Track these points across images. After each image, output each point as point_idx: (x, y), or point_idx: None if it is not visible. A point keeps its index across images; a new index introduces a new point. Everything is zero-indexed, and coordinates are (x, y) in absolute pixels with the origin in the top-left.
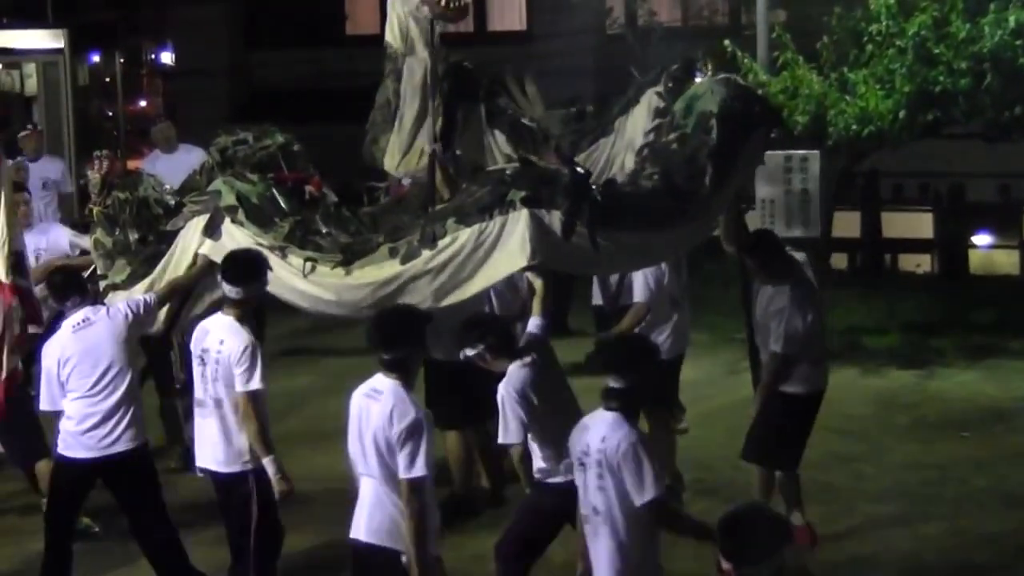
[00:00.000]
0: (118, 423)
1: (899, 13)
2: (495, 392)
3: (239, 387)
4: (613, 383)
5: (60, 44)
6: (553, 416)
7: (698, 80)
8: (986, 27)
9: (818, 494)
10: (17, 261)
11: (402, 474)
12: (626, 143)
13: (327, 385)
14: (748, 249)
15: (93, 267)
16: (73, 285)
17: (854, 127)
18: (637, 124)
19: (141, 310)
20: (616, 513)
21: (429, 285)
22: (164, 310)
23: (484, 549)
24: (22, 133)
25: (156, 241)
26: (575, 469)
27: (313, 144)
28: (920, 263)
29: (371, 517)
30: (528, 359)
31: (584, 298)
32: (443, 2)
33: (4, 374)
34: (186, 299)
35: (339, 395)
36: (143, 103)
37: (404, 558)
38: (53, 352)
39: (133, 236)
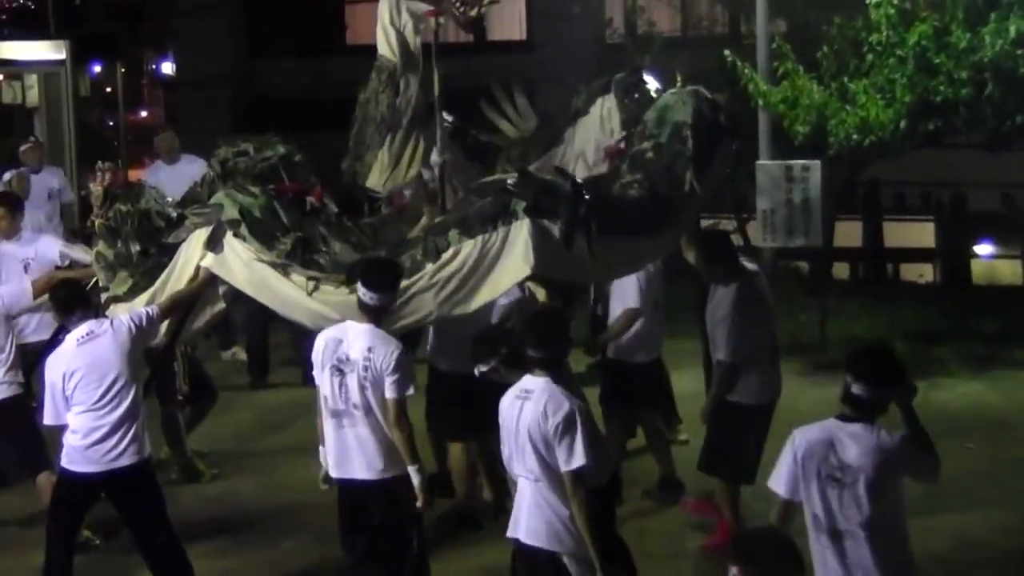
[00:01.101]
0: (123, 437)
1: (899, 23)
2: (498, 403)
3: (392, 394)
4: (532, 352)
5: (62, 55)
6: None
7: (654, 87)
8: (986, 36)
9: None
10: None
11: (563, 467)
12: (576, 152)
13: None
14: (696, 249)
15: (94, 279)
16: (78, 299)
17: (855, 137)
18: (588, 133)
19: (145, 323)
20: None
21: (435, 298)
22: (167, 322)
23: (488, 562)
24: (24, 146)
25: (158, 253)
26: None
27: (315, 153)
28: (922, 273)
29: (530, 518)
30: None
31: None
32: (463, 9)
33: None
34: (189, 311)
35: None
36: (144, 113)
37: (565, 559)
38: (58, 366)
39: (135, 248)
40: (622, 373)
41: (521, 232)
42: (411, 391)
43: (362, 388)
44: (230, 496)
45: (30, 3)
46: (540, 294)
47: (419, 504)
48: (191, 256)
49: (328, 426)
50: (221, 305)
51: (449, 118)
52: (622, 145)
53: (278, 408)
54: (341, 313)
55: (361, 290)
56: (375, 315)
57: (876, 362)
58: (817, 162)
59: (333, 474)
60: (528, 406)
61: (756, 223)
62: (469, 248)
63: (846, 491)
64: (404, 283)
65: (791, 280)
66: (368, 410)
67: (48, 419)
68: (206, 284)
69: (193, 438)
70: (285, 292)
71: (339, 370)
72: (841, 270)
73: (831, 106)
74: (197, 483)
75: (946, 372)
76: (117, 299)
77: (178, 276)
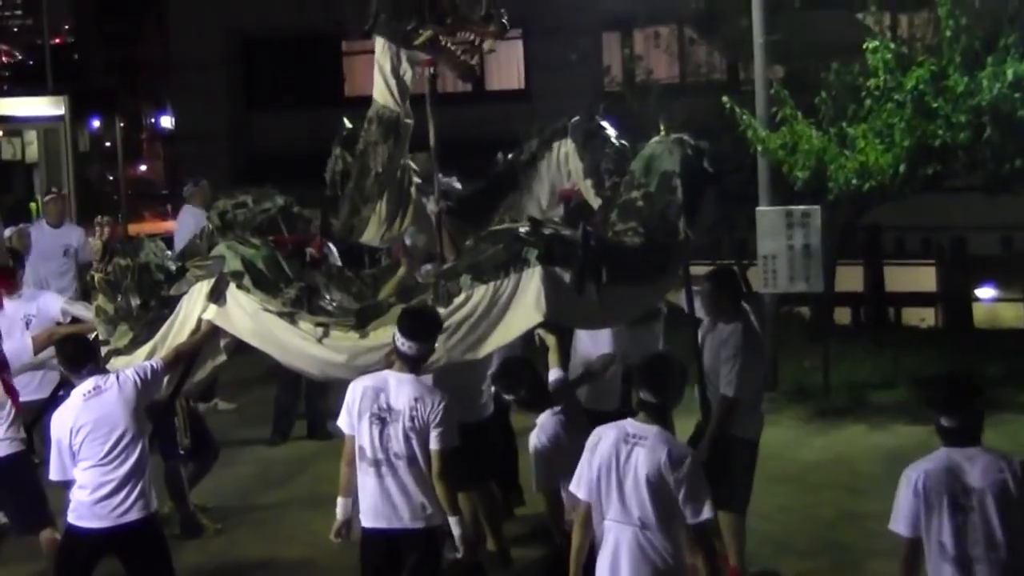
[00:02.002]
0: (131, 492)
1: (897, 67)
2: (502, 452)
3: (437, 445)
4: (647, 397)
5: (60, 111)
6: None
7: (613, 133)
8: (984, 80)
9: (828, 551)
10: None
11: (691, 518)
12: (535, 197)
13: (328, 448)
14: (706, 285)
15: (95, 334)
16: (86, 354)
17: (854, 182)
18: (543, 178)
19: (150, 376)
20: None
21: (444, 344)
22: (168, 376)
23: None
24: (47, 197)
25: (158, 306)
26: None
27: (314, 205)
28: (924, 317)
29: (635, 566)
30: (557, 409)
31: None
32: (463, 58)
33: None
34: (190, 364)
35: (340, 457)
36: (144, 167)
37: None
38: (64, 421)
39: (135, 302)
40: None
41: (533, 279)
42: (457, 443)
43: (407, 438)
44: (233, 551)
45: (28, 59)
46: (550, 341)
47: (460, 555)
48: (193, 308)
49: (366, 476)
50: (223, 357)
51: (445, 180)
52: (575, 187)
53: (281, 462)
54: (350, 358)
55: (400, 340)
56: (414, 364)
57: (955, 391)
58: (817, 207)
59: (368, 523)
60: (642, 453)
61: (757, 269)
62: (481, 293)
63: (973, 515)
64: None
65: (793, 326)
66: (412, 460)
67: (55, 474)
68: (208, 336)
69: (196, 492)
70: (291, 341)
71: (380, 419)
72: (843, 315)
73: (830, 151)
74: (200, 538)
75: None
76: (117, 352)
77: (179, 329)
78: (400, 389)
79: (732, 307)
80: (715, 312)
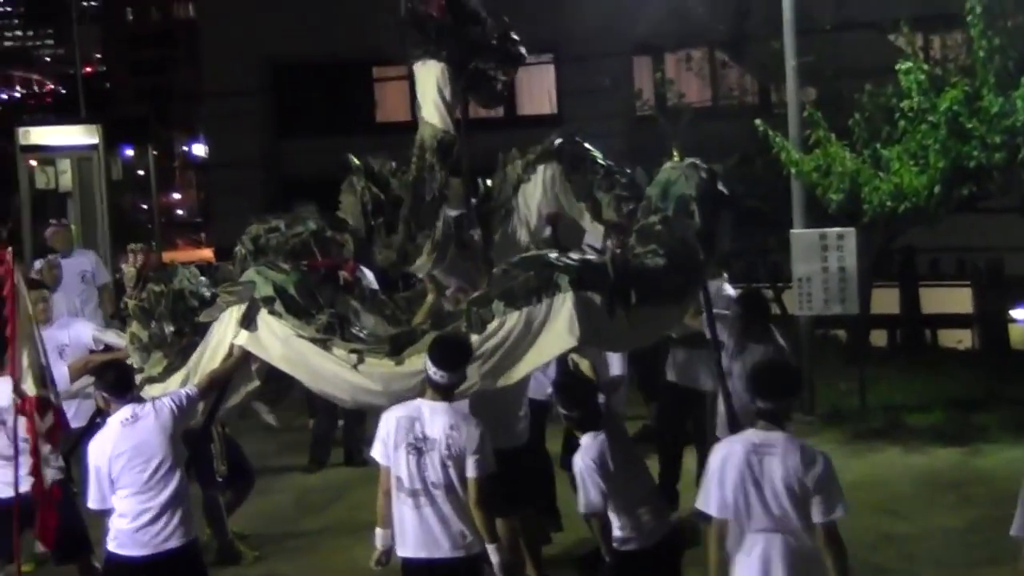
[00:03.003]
0: (171, 518)
1: (930, 89)
2: (539, 478)
3: (474, 472)
4: (766, 404)
5: (94, 140)
6: (627, 484)
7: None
8: (1018, 100)
9: (869, 574)
10: (42, 373)
11: (823, 517)
12: (522, 219)
13: (364, 475)
14: (736, 309)
15: (127, 360)
16: (129, 381)
17: (889, 203)
18: (531, 200)
19: (185, 403)
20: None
21: (479, 370)
22: (203, 402)
23: None
24: (49, 229)
25: (192, 333)
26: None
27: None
28: (961, 339)
29: (791, 573)
30: (601, 431)
31: None
32: (495, 75)
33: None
34: (224, 390)
35: (377, 484)
36: (177, 195)
37: None
38: (102, 449)
39: (169, 329)
40: None
41: (565, 303)
42: (492, 469)
43: (444, 466)
44: None
45: (60, 88)
46: (584, 365)
47: None
48: (224, 335)
49: (404, 507)
50: (256, 383)
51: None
52: (556, 209)
53: (319, 489)
54: (385, 385)
55: (431, 368)
56: (446, 392)
57: None
58: (852, 230)
59: (408, 554)
60: (774, 461)
61: (792, 292)
62: (514, 319)
63: None
64: None
65: (829, 348)
66: (450, 488)
67: (93, 503)
68: (241, 362)
69: (234, 519)
70: (325, 367)
71: (416, 449)
72: (879, 337)
73: (864, 173)
74: (238, 565)
75: (988, 438)
76: (152, 380)
77: (211, 355)
78: (434, 418)
79: (761, 329)
80: (745, 334)
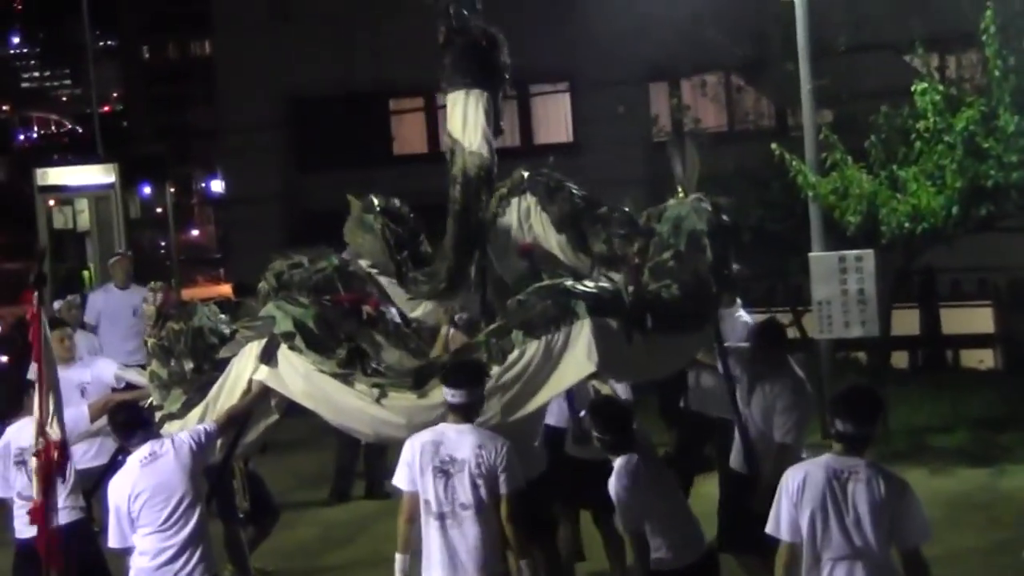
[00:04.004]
0: (191, 556)
1: (946, 109)
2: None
3: (506, 488)
4: (847, 428)
5: (111, 178)
6: (662, 505)
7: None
8: None
9: None
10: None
11: (913, 541)
12: (501, 249)
13: (387, 508)
14: (755, 339)
15: (149, 399)
16: (137, 421)
17: (907, 225)
18: (505, 234)
19: (204, 439)
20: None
21: (500, 400)
22: (221, 439)
23: None
24: (112, 259)
25: (211, 370)
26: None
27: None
28: (982, 359)
29: None
30: (635, 454)
31: None
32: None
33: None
34: (243, 426)
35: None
36: (195, 232)
37: None
38: (122, 488)
39: (188, 366)
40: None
41: (583, 330)
42: (523, 484)
43: (474, 486)
44: None
45: (77, 128)
46: (605, 390)
47: None
48: (243, 370)
49: (430, 529)
50: (275, 417)
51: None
52: (531, 242)
53: (342, 523)
54: (408, 418)
55: (447, 392)
56: (466, 413)
57: None
58: (870, 251)
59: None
60: (859, 487)
61: (812, 315)
62: (534, 349)
63: None
64: None
65: (850, 371)
66: (479, 508)
67: (114, 542)
68: (260, 397)
69: (257, 555)
70: (346, 402)
71: (443, 472)
72: (900, 359)
73: (881, 195)
74: None
75: (1012, 459)
76: (171, 417)
77: (230, 390)
78: (461, 439)
79: (779, 360)
80: (763, 365)
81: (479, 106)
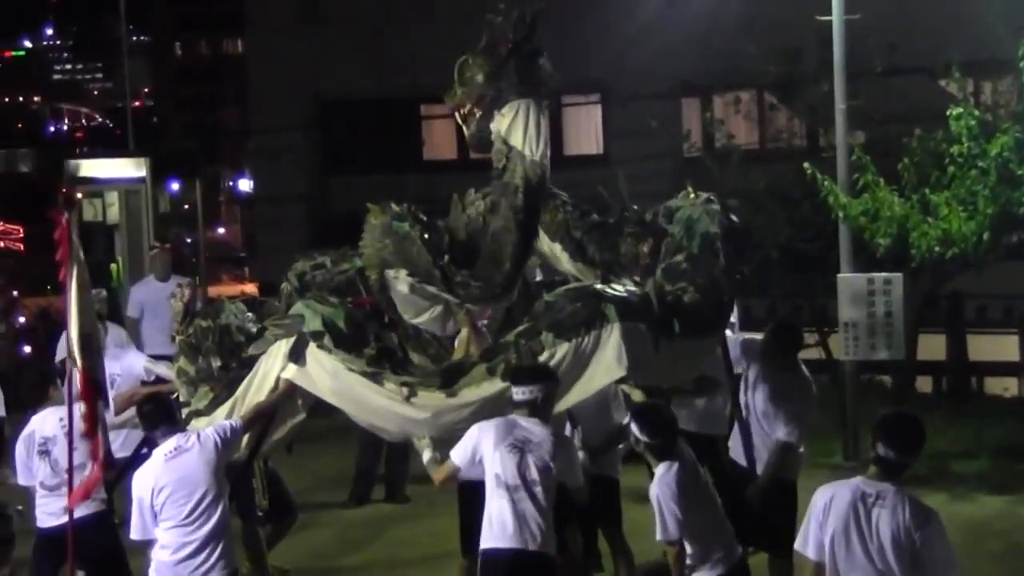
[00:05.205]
0: (212, 551)
1: (980, 134)
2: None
3: (570, 483)
4: (886, 453)
5: (142, 173)
6: (700, 512)
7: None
8: None
9: None
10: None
11: (944, 573)
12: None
13: (406, 512)
14: (768, 336)
15: (176, 394)
16: (163, 414)
17: (937, 249)
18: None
19: (230, 435)
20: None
21: None
22: (247, 435)
23: None
24: (152, 251)
25: (238, 367)
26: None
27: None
28: (1007, 386)
29: None
30: (676, 460)
31: None
32: None
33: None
34: (268, 423)
35: (420, 521)
36: (221, 230)
37: None
38: (145, 481)
39: (215, 363)
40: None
41: (613, 333)
42: (581, 482)
43: (546, 468)
44: None
45: (108, 122)
46: (636, 395)
47: None
48: (271, 368)
49: (498, 500)
50: (301, 415)
51: None
52: None
53: (359, 525)
54: (435, 416)
55: (517, 390)
56: (533, 408)
57: None
58: (899, 275)
59: (495, 544)
60: (884, 514)
61: (837, 336)
62: (564, 350)
63: None
64: (501, 387)
65: (874, 394)
66: (547, 488)
67: (135, 534)
68: (287, 395)
69: (274, 554)
70: (374, 401)
71: (518, 448)
72: (924, 384)
73: (912, 218)
74: None
75: None
76: (198, 413)
77: (257, 388)
78: (533, 427)
79: (789, 359)
80: (772, 361)
81: (539, 115)
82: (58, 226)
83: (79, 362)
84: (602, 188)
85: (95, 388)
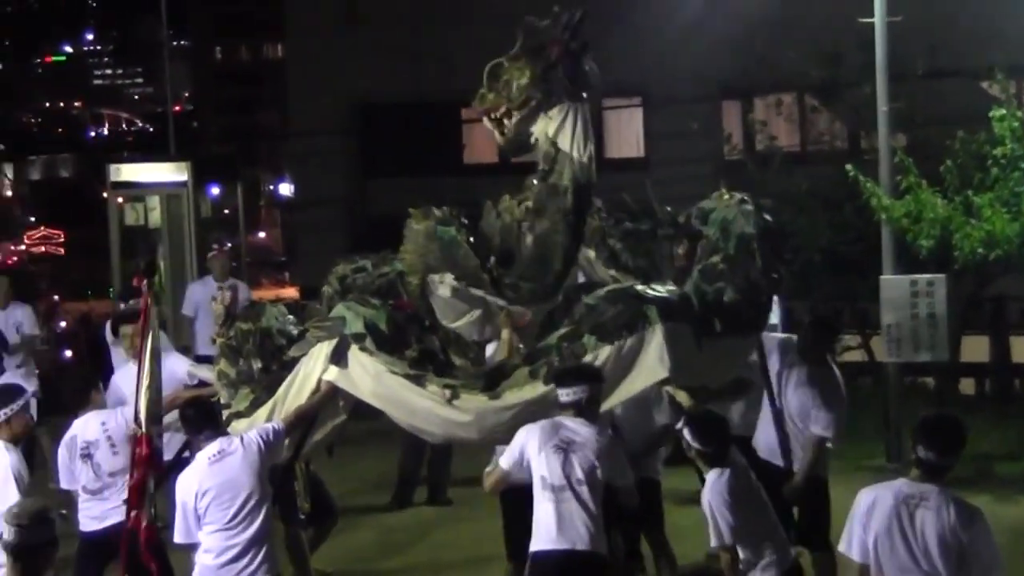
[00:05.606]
0: (256, 555)
1: None
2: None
3: (617, 483)
4: (927, 455)
5: (184, 177)
6: (752, 518)
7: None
8: None
9: None
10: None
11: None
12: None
13: (448, 515)
14: (807, 331)
15: (217, 397)
16: (206, 418)
17: (980, 251)
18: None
19: (273, 438)
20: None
21: None
22: (288, 438)
23: None
24: (211, 253)
25: (279, 369)
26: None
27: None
28: None
29: None
30: (728, 467)
31: None
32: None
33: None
34: (310, 426)
35: (462, 524)
36: (261, 234)
37: None
38: (189, 485)
39: (256, 366)
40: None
41: (655, 335)
42: (630, 481)
43: (592, 468)
44: None
45: (148, 126)
46: (681, 396)
47: None
48: (312, 370)
49: (545, 503)
50: (342, 417)
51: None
52: None
53: (402, 528)
54: (479, 419)
55: (563, 391)
56: (579, 409)
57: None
58: (942, 276)
59: (544, 547)
60: (928, 515)
61: (880, 338)
62: (607, 353)
63: None
64: (544, 390)
65: (917, 396)
66: (593, 487)
67: (179, 537)
68: (328, 397)
69: (316, 557)
70: (417, 403)
71: (563, 449)
72: (967, 386)
73: (955, 220)
74: None
75: None
76: (239, 415)
77: (298, 390)
78: (579, 427)
79: (824, 355)
80: (808, 355)
81: (587, 117)
82: (140, 294)
83: (144, 428)
84: (649, 189)
85: (153, 457)
